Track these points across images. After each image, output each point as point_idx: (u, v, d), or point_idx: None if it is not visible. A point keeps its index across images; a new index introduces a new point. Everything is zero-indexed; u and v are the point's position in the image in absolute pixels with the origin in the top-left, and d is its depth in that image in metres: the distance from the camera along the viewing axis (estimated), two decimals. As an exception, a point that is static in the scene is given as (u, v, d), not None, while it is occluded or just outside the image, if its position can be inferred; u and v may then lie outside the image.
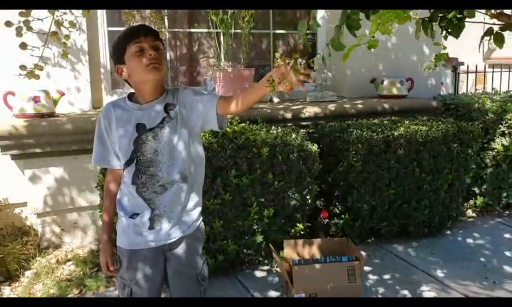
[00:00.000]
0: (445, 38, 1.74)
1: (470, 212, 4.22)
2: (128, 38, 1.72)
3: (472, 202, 4.19)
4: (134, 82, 1.77)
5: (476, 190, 4.14)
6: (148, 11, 3.85)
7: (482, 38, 1.57)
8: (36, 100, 3.31)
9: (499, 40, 1.55)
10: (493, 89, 5.13)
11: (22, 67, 1.38)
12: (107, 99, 3.98)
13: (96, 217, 3.53)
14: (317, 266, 2.76)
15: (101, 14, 3.85)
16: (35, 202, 3.41)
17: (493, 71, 5.72)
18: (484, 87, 5.69)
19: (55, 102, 3.46)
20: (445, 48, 1.78)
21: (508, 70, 5.86)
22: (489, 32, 1.55)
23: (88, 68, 3.72)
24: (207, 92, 1.85)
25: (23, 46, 2.00)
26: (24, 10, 1.32)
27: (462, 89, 6.21)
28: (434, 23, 1.62)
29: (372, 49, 1.54)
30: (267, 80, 1.57)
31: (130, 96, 1.81)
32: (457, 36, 1.67)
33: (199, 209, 1.87)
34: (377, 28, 1.26)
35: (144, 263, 1.80)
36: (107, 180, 1.91)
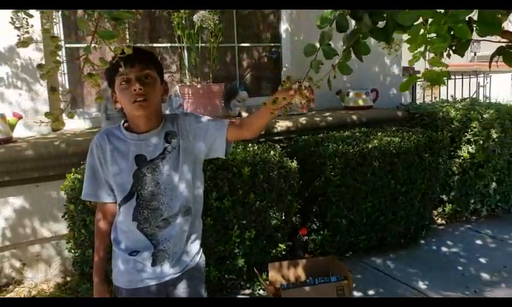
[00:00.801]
0: (448, 55, 1.71)
1: (439, 220, 4.28)
2: (114, 68, 1.55)
3: (440, 209, 4.26)
4: (126, 113, 1.63)
5: (444, 197, 4.21)
6: (109, 25, 3.64)
7: (493, 56, 1.55)
8: (-10, 124, 3.04)
9: (509, 59, 1.53)
10: (451, 96, 5.28)
11: (48, 115, 1.12)
12: (66, 120, 3.72)
13: (61, 248, 3.27)
14: (307, 288, 2.67)
15: (57, 30, 3.60)
16: (-8, 236, 3.12)
17: (448, 79, 5.89)
18: (439, 95, 5.86)
19: (12, 127, 3.19)
20: (446, 66, 1.74)
21: (461, 76, 6.07)
22: (499, 51, 1.53)
23: (46, 88, 3.46)
24: (210, 118, 1.71)
25: (53, 90, 1.63)
26: (54, 49, 1.11)
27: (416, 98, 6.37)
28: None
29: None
30: (272, 101, 1.49)
31: (125, 124, 1.66)
32: (462, 54, 1.64)
33: (199, 242, 1.75)
34: (417, 54, 1.19)
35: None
36: (97, 217, 1.73)
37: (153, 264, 1.63)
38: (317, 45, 1.52)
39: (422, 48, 1.20)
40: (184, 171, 1.63)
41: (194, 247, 1.73)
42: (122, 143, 1.61)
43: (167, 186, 1.60)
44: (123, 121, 1.68)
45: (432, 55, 1.48)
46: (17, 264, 3.24)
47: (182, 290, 1.69)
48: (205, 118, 1.69)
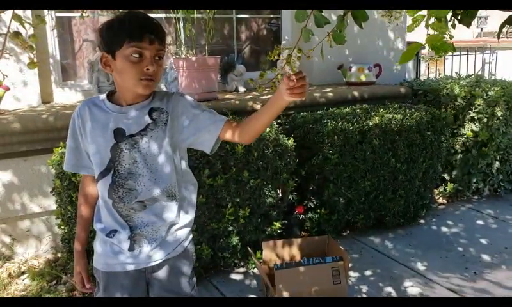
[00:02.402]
0: (453, 26, 1.59)
1: (440, 199, 4.19)
2: (127, 35, 1.40)
3: (441, 188, 4.16)
4: (118, 82, 1.51)
5: (446, 176, 4.11)
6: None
7: (502, 26, 1.43)
8: (-24, 96, 2.93)
9: (519, 29, 1.40)
10: (456, 73, 5.13)
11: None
12: (57, 93, 3.61)
13: (51, 224, 3.19)
14: (301, 269, 2.59)
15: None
16: (-20, 211, 3.05)
17: (452, 55, 5.74)
18: (444, 71, 5.70)
19: (-1, 98, 3.08)
20: (451, 37, 1.63)
21: (466, 53, 5.91)
22: (510, 20, 1.40)
23: (35, 59, 3.33)
24: (207, 109, 1.58)
25: None
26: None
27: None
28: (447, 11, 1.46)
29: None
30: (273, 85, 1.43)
31: (110, 95, 1.55)
32: (468, 24, 1.52)
33: (188, 229, 1.64)
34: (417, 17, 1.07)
35: (122, 291, 1.56)
36: (79, 202, 1.65)
37: (131, 248, 1.53)
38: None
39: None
40: (169, 152, 1.52)
41: (181, 233, 1.61)
42: (103, 114, 1.51)
43: (145, 166, 1.50)
44: (108, 91, 1.57)
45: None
46: (7, 240, 3.17)
47: (164, 275, 1.59)
48: (200, 105, 1.58)
